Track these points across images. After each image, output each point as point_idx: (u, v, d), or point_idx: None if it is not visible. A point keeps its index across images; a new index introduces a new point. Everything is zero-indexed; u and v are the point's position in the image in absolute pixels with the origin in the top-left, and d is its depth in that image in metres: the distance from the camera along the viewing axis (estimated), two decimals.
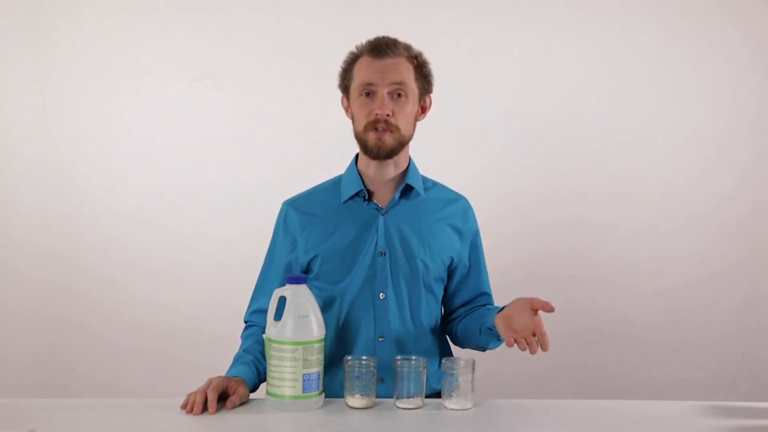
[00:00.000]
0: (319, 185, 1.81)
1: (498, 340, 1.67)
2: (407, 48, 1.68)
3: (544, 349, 1.52)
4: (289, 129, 2.84)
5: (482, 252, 1.84)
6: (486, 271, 1.84)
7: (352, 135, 1.78)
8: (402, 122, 1.65)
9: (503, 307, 1.63)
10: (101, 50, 2.83)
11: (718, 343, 2.86)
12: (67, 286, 2.86)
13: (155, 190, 2.85)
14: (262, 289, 1.77)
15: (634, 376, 2.85)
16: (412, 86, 1.66)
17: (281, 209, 1.78)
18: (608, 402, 1.69)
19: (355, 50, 1.70)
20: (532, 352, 1.52)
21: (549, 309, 1.53)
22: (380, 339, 1.70)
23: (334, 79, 1.76)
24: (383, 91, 1.63)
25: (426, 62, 1.70)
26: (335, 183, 1.78)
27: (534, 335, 1.52)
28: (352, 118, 1.71)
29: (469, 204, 1.83)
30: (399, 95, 1.64)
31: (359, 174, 1.73)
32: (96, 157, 2.86)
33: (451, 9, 2.81)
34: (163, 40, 2.83)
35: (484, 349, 1.77)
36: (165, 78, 2.84)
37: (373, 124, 1.64)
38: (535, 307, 1.54)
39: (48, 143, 2.86)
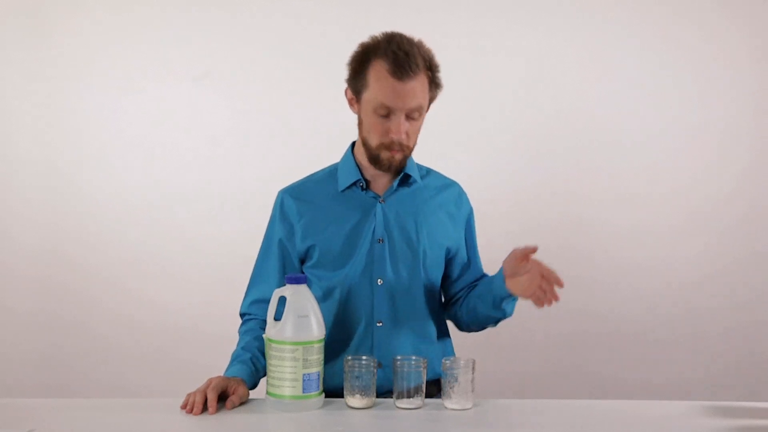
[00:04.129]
0: (315, 174, 1.82)
1: (514, 300, 1.71)
2: (423, 56, 1.63)
3: (560, 284, 1.59)
4: (289, 128, 2.85)
5: (475, 233, 1.87)
6: (478, 254, 1.87)
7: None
8: (412, 139, 1.68)
9: (498, 275, 1.68)
10: (101, 50, 2.83)
11: (718, 343, 2.86)
12: (67, 286, 2.86)
13: (155, 189, 2.85)
14: (259, 277, 1.77)
15: (634, 376, 2.85)
16: (426, 102, 1.66)
17: (277, 197, 1.79)
18: (608, 402, 1.69)
19: (368, 46, 1.64)
20: (555, 298, 1.60)
21: (533, 249, 1.59)
22: (378, 324, 1.71)
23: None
24: (401, 115, 1.62)
25: (437, 67, 1.66)
26: (331, 172, 1.79)
27: (543, 277, 1.60)
28: (360, 120, 1.70)
29: (462, 189, 1.86)
30: (414, 114, 1.64)
31: (356, 163, 1.74)
32: (96, 156, 2.86)
33: (451, 9, 2.81)
34: (163, 39, 2.83)
35: (497, 322, 1.79)
36: (165, 77, 2.84)
37: (387, 145, 1.65)
38: (522, 256, 1.59)
39: (47, 143, 2.86)
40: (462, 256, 1.83)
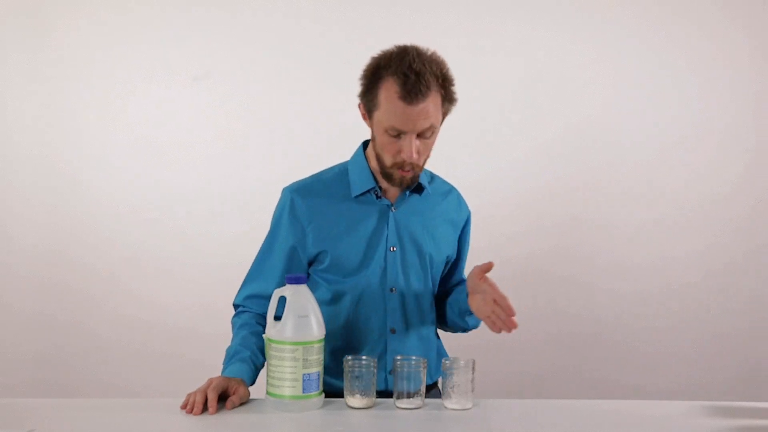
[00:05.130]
0: (323, 173, 1.78)
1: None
2: (435, 75, 1.56)
3: (511, 312, 1.57)
4: (289, 128, 2.85)
5: (469, 236, 1.87)
6: (466, 258, 1.88)
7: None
8: (424, 157, 1.65)
9: (464, 288, 1.69)
10: (101, 50, 2.84)
11: (718, 343, 2.86)
12: (68, 286, 2.86)
13: (156, 189, 2.85)
14: (258, 273, 1.74)
15: (633, 376, 2.85)
16: (439, 118, 1.62)
17: (284, 195, 1.74)
18: (608, 402, 1.69)
19: (380, 62, 1.60)
20: (511, 326, 1.58)
21: (488, 267, 1.58)
22: (392, 332, 1.72)
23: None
24: (412, 137, 1.59)
25: (451, 81, 1.62)
26: (341, 173, 1.75)
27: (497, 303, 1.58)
28: (372, 134, 1.67)
29: (459, 193, 1.87)
30: (426, 134, 1.61)
31: (370, 169, 1.71)
32: (96, 156, 2.86)
33: (450, 9, 2.81)
34: (163, 39, 2.83)
35: (466, 330, 1.83)
36: (166, 77, 2.84)
37: (399, 165, 1.63)
38: (479, 274, 1.59)
39: (48, 143, 2.86)
40: (452, 259, 1.84)
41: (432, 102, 1.57)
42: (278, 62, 2.83)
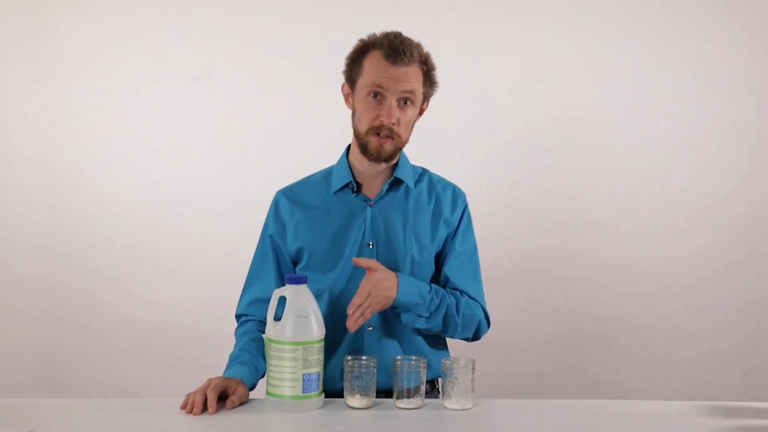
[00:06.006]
0: (312, 176, 1.84)
1: (403, 313, 1.71)
2: (420, 51, 1.67)
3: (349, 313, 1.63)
4: (289, 128, 2.85)
5: (464, 239, 1.80)
6: (464, 261, 1.79)
7: (353, 134, 1.78)
8: (403, 129, 1.68)
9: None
10: (101, 50, 2.83)
11: (718, 343, 2.86)
12: (68, 286, 2.86)
13: (156, 189, 2.85)
14: (256, 277, 1.78)
15: (633, 376, 2.85)
16: (419, 93, 1.68)
17: (274, 197, 1.82)
18: (608, 402, 1.69)
19: (366, 40, 1.69)
20: (349, 326, 1.62)
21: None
22: (369, 329, 1.72)
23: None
24: (392, 99, 1.64)
25: (434, 67, 1.71)
26: (327, 174, 1.81)
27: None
28: (353, 112, 1.72)
29: (459, 191, 1.83)
30: (405, 102, 1.66)
31: (350, 166, 1.76)
32: (96, 156, 2.86)
33: (450, 9, 2.81)
34: (163, 39, 2.83)
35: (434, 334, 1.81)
36: (165, 77, 2.84)
37: (377, 129, 1.66)
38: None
39: (48, 143, 2.86)
40: (442, 257, 1.80)
41: (414, 72, 1.65)
42: (278, 62, 2.83)
